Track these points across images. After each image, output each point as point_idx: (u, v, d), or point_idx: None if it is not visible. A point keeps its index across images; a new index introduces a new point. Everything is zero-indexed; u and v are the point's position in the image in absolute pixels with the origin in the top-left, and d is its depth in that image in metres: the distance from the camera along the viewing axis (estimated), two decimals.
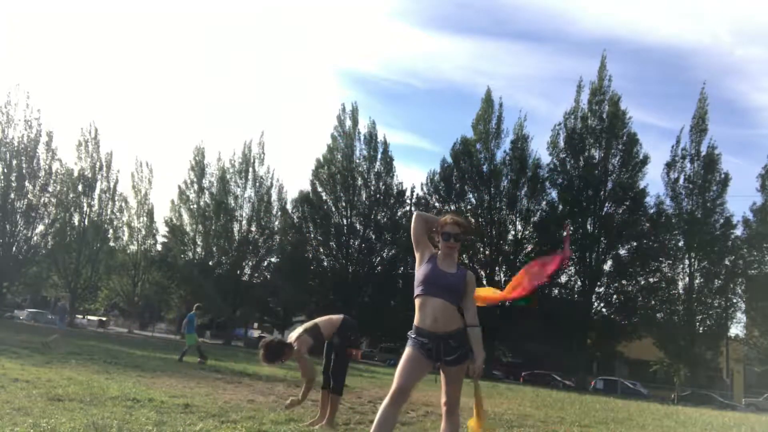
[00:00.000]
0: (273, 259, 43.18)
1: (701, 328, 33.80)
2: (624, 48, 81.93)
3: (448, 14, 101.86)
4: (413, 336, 3.31)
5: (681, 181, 35.26)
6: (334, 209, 40.59)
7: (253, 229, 42.23)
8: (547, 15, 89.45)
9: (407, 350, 3.28)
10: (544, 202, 38.34)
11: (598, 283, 36.12)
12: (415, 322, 3.33)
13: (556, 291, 37.84)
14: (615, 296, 36.36)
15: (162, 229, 44.68)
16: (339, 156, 40.87)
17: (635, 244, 36.06)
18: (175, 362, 13.36)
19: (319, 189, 40.98)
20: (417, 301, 3.35)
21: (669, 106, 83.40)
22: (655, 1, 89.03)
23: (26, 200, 38.81)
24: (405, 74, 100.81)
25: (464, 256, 37.69)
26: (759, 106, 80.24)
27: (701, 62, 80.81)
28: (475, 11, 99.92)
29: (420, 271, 3.40)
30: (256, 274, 43.54)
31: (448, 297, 3.29)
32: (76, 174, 41.86)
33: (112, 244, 43.88)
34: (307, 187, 41.53)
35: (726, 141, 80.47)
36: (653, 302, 35.33)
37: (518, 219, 38.19)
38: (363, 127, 41.49)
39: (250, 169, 42.98)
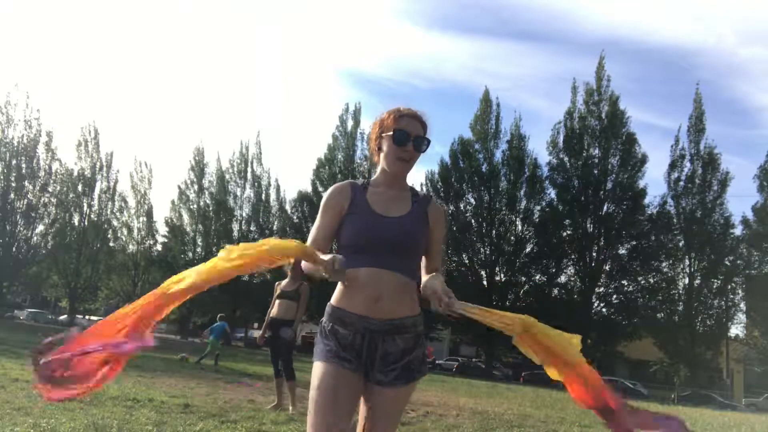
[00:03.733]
0: None
1: (701, 328, 33.83)
2: (628, 48, 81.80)
3: (452, 14, 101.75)
4: (328, 329, 1.90)
5: (681, 180, 35.42)
6: None
7: (252, 228, 42.31)
8: (551, 15, 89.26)
9: (319, 367, 1.84)
10: (544, 202, 38.42)
11: (598, 283, 36.15)
12: (335, 300, 1.95)
13: (556, 291, 37.90)
14: (615, 296, 36.40)
15: (162, 229, 44.78)
16: (340, 156, 41.01)
17: (635, 244, 36.11)
18: (174, 362, 13.36)
19: (320, 189, 41.04)
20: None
21: (673, 106, 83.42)
22: (659, 1, 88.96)
23: (26, 200, 38.90)
24: (408, 74, 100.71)
25: (464, 255, 37.76)
26: (763, 106, 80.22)
27: (705, 62, 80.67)
28: (479, 11, 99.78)
29: (346, 229, 1.94)
30: (256, 274, 43.52)
31: (402, 263, 1.89)
32: (75, 174, 41.95)
33: (111, 244, 43.93)
34: (308, 187, 41.66)
35: (730, 141, 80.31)
36: (653, 302, 35.37)
37: (518, 219, 38.24)
38: (366, 127, 41.66)
39: (249, 169, 43.13)
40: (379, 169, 2.06)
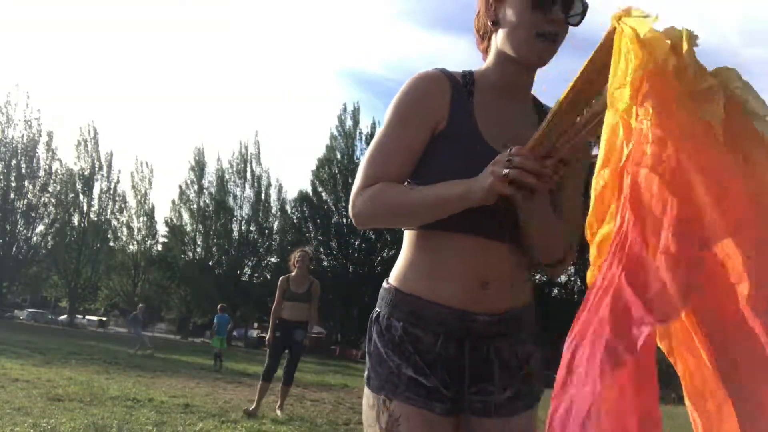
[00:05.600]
0: (273, 259, 43.22)
1: None
2: None
3: (454, 14, 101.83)
4: (398, 334, 1.18)
5: None
6: (334, 209, 40.73)
7: (252, 228, 42.36)
8: None
9: (403, 411, 1.12)
10: None
11: None
12: (404, 282, 1.17)
13: (556, 291, 37.94)
14: None
15: (162, 229, 44.78)
16: (339, 155, 41.09)
17: None
18: (175, 362, 13.37)
19: (320, 189, 41.12)
20: (424, 239, 1.15)
21: None
22: (660, 1, 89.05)
23: (26, 200, 38.90)
24: (408, 74, 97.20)
25: None
26: None
27: (708, 62, 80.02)
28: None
29: (437, 164, 1.14)
30: (256, 274, 43.61)
31: (518, 229, 1.13)
32: (75, 174, 41.95)
33: (111, 244, 43.92)
34: (308, 187, 41.76)
35: None
36: None
37: None
38: (365, 127, 41.77)
39: (248, 169, 43.16)
40: (490, 60, 1.23)
